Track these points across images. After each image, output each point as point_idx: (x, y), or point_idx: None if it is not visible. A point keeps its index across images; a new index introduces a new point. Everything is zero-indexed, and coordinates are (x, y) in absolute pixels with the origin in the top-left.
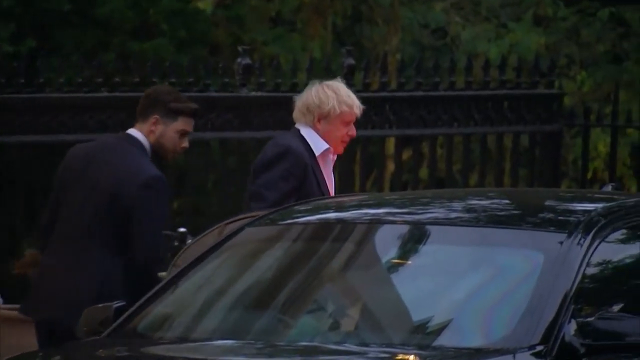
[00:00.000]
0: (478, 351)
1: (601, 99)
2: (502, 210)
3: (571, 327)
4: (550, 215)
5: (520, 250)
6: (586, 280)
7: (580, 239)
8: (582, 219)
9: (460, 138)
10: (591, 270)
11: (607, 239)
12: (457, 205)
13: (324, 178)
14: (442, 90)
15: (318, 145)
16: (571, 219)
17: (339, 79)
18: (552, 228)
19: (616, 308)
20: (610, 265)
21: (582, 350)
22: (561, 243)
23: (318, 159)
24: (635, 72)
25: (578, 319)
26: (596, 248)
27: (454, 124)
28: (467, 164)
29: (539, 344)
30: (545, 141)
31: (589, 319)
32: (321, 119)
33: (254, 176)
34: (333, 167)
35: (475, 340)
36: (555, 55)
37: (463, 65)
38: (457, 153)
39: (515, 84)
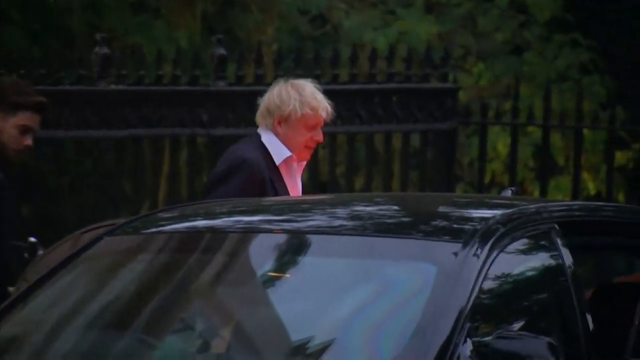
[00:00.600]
0: None
1: (500, 94)
2: (390, 217)
3: (467, 348)
4: (444, 223)
5: (410, 262)
6: (483, 296)
7: (476, 250)
8: (478, 227)
9: (344, 137)
10: (489, 284)
11: (506, 250)
12: (341, 212)
13: (286, 189)
14: (324, 84)
15: (279, 152)
16: (467, 227)
17: (309, 80)
18: (445, 237)
19: (516, 326)
20: (509, 279)
21: None
22: (456, 254)
23: (280, 167)
24: (537, 64)
25: (474, 339)
26: (494, 259)
27: (337, 122)
28: (352, 166)
29: None
30: (438, 141)
31: (486, 339)
32: (281, 121)
33: (208, 190)
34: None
35: None
36: (449, 46)
37: (347, 56)
38: (341, 154)
39: (405, 77)
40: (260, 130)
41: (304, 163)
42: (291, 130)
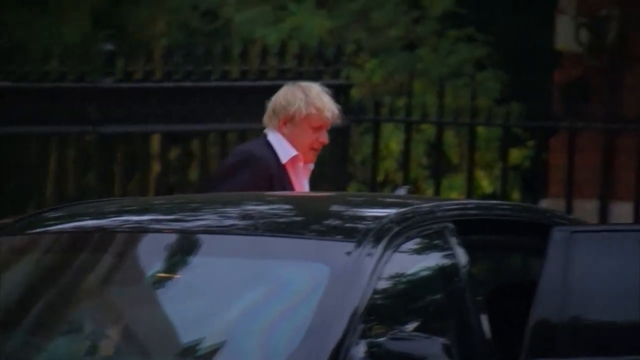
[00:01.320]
0: None
1: (393, 90)
2: (282, 216)
3: (360, 349)
4: (337, 222)
5: (302, 262)
6: (377, 296)
7: (370, 249)
8: (372, 226)
9: (234, 135)
10: (383, 285)
11: (400, 249)
12: (232, 211)
13: (294, 189)
14: (215, 81)
15: (285, 152)
16: (360, 226)
17: (318, 83)
18: (338, 237)
19: (410, 327)
20: (403, 279)
21: None
22: (349, 254)
23: (287, 168)
24: (430, 60)
25: (368, 340)
26: (388, 259)
27: (228, 119)
28: None
29: None
30: (331, 138)
31: (379, 340)
32: (287, 121)
33: (214, 184)
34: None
35: None
36: (341, 42)
37: (238, 53)
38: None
39: (297, 74)
40: (267, 131)
41: (311, 167)
42: (296, 130)
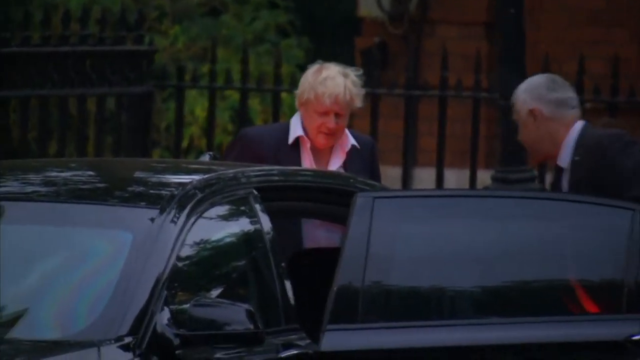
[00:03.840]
0: (57, 344)
1: (197, 57)
2: (85, 183)
3: (164, 316)
4: (140, 188)
5: (105, 229)
6: (181, 263)
7: (173, 216)
8: (175, 192)
9: (36, 101)
10: (187, 251)
11: (204, 215)
12: (34, 178)
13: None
14: (15, 47)
15: (293, 132)
16: (163, 192)
17: (353, 69)
18: (142, 203)
19: (215, 293)
20: (208, 245)
21: (177, 341)
22: (152, 220)
23: (302, 149)
24: (233, 26)
25: (172, 307)
26: (192, 225)
27: (29, 86)
28: (45, 131)
29: (127, 335)
30: (134, 104)
31: (184, 307)
32: (300, 103)
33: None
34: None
35: (54, 332)
36: (144, 8)
37: (39, 19)
38: (33, 119)
39: (99, 40)
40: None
41: (344, 149)
42: (305, 113)
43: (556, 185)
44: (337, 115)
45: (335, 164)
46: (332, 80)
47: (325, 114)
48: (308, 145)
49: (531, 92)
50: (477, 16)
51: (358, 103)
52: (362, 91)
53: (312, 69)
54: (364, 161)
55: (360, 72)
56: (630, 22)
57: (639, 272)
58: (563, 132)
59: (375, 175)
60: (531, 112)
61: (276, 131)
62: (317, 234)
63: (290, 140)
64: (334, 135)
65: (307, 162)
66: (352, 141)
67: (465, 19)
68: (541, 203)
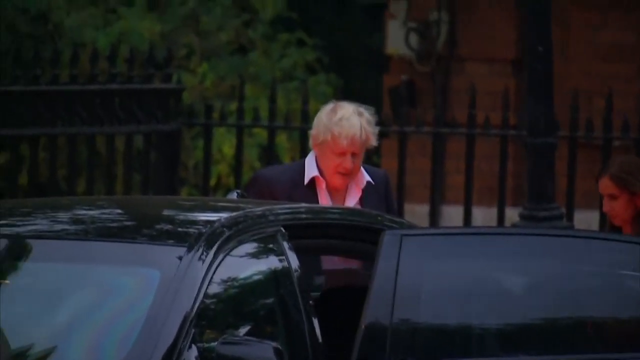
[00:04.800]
0: None
1: (225, 94)
2: (113, 221)
3: (192, 354)
4: (168, 226)
5: (133, 267)
6: (209, 300)
7: (201, 254)
8: (203, 230)
9: (64, 139)
10: (215, 289)
11: (232, 253)
12: (62, 215)
13: None
14: (44, 85)
15: (308, 172)
16: (191, 230)
17: (357, 106)
18: (170, 241)
19: (243, 331)
20: (236, 283)
21: None
22: (180, 258)
23: (318, 189)
24: (262, 64)
25: (200, 344)
26: (220, 263)
27: (58, 123)
28: (73, 169)
29: None
30: (162, 142)
31: (212, 344)
32: (315, 143)
33: None
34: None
35: None
36: (172, 45)
37: (68, 57)
38: (62, 156)
39: (127, 78)
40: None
41: (359, 186)
42: (321, 154)
43: None
44: (353, 155)
45: (351, 202)
46: (347, 121)
47: (342, 154)
48: (324, 185)
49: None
50: (505, 53)
51: (373, 141)
52: (377, 129)
53: (326, 109)
54: (379, 196)
55: (373, 110)
56: None
57: None
58: None
59: (390, 208)
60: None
61: (290, 171)
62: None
63: (306, 180)
64: (350, 174)
65: (325, 201)
66: (367, 177)
67: (493, 56)
68: (566, 241)
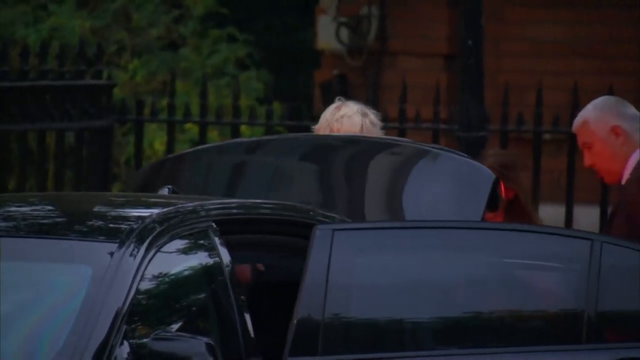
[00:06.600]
0: None
1: (156, 90)
2: (44, 218)
3: (124, 350)
4: (100, 223)
5: (64, 263)
6: (141, 297)
7: (133, 250)
8: (135, 226)
9: None
10: (146, 285)
11: (163, 249)
12: None
13: None
14: None
15: None
16: (123, 226)
17: (367, 108)
18: (101, 237)
19: (175, 327)
20: (167, 279)
21: None
22: (112, 254)
23: None
24: (192, 60)
25: (132, 341)
26: (151, 259)
27: None
28: (4, 166)
29: None
30: (93, 139)
31: (144, 340)
32: None
33: None
34: None
35: None
36: (103, 42)
37: None
38: None
39: (59, 74)
40: None
41: None
42: None
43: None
44: None
45: None
46: (349, 119)
47: None
48: None
49: (609, 109)
50: (437, 47)
51: None
52: (382, 132)
53: (332, 106)
54: None
55: (379, 114)
56: (592, 53)
57: (597, 302)
58: (633, 149)
59: None
60: (613, 130)
61: None
62: None
63: None
64: None
65: None
66: None
67: (425, 50)
68: (501, 234)
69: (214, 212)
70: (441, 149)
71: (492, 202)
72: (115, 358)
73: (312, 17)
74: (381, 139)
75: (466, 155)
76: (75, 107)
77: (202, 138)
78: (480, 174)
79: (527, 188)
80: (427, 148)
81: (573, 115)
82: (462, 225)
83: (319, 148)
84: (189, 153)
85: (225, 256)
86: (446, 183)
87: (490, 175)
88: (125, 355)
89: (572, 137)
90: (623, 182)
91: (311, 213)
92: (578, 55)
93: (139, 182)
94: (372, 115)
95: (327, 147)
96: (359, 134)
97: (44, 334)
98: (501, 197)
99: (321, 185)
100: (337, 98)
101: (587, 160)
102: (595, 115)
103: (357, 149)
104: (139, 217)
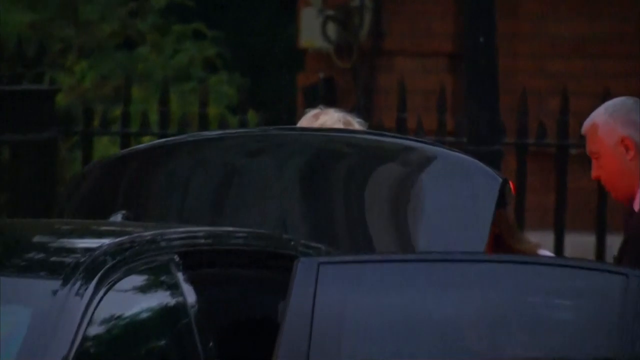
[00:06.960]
0: None
1: (108, 97)
2: None
3: None
4: (40, 255)
5: (0, 304)
6: (89, 343)
7: (79, 288)
8: (82, 260)
9: None
10: (96, 329)
11: (116, 287)
12: None
13: None
14: None
15: None
16: (68, 260)
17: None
18: (42, 273)
19: None
20: (121, 322)
21: None
22: (55, 293)
23: None
24: (151, 60)
25: None
26: (102, 298)
27: None
28: None
29: None
30: (33, 154)
31: None
32: None
33: None
34: None
35: None
36: (45, 39)
37: None
38: None
39: None
40: None
41: None
42: None
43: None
44: None
45: None
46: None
47: None
48: None
49: (621, 116)
50: (440, 46)
51: None
52: None
53: (309, 114)
54: None
55: (366, 122)
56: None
57: (634, 344)
58: None
59: None
60: (622, 141)
61: None
62: None
63: None
64: None
65: None
66: None
67: (427, 49)
68: (514, 267)
69: (176, 243)
70: (443, 149)
71: (501, 201)
72: None
73: (293, 10)
74: (380, 139)
75: (472, 156)
76: (12, 117)
77: None
78: (487, 178)
79: (513, 221)
80: (428, 152)
81: None
82: (461, 258)
83: (303, 148)
84: (142, 151)
85: (190, 295)
86: (452, 189)
87: (498, 178)
88: None
89: None
90: (636, 207)
91: (292, 243)
92: (607, 55)
93: (76, 191)
94: (357, 125)
95: (313, 148)
96: (343, 129)
97: None
98: (511, 195)
99: (306, 199)
100: (319, 106)
101: (594, 171)
102: (604, 120)
103: (351, 153)
104: (87, 249)
